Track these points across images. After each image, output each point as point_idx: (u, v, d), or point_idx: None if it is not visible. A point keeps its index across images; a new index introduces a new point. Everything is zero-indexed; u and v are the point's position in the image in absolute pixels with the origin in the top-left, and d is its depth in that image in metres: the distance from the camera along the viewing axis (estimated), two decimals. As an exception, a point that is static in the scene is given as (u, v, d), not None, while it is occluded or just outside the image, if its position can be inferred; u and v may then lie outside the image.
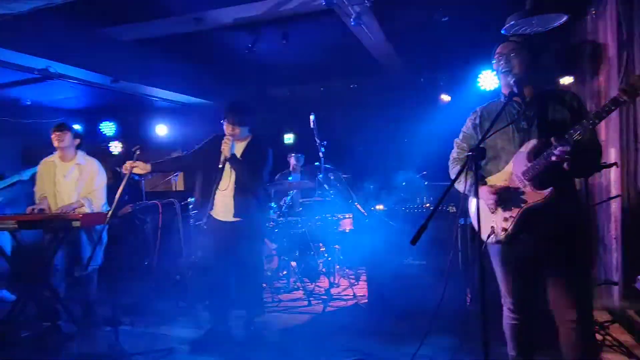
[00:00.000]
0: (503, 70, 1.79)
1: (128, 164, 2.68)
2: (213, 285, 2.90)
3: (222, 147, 2.72)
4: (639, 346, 2.56)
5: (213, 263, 2.85)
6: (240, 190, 2.77)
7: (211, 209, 2.78)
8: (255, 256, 2.95)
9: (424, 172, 4.10)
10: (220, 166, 2.74)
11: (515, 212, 1.74)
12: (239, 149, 2.85)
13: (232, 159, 2.73)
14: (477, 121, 1.95)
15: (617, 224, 3.03)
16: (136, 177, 2.95)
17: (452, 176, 2.00)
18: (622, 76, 2.90)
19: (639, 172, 2.86)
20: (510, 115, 1.80)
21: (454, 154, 2.07)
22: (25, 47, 3.68)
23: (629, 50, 2.84)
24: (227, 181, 2.77)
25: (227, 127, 2.78)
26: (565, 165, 1.60)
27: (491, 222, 1.82)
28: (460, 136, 2.04)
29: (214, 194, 2.77)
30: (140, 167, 2.70)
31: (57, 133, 3.25)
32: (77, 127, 5.90)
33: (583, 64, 3.69)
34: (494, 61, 1.83)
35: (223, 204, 2.78)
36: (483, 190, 1.81)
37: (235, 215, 2.76)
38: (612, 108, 1.54)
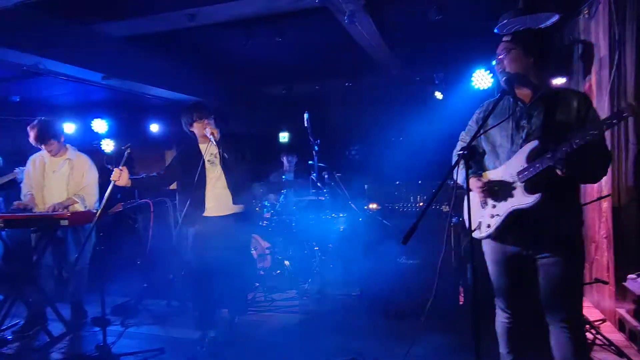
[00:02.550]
0: (498, 70, 1.78)
1: (115, 172, 2.65)
2: (204, 288, 2.91)
3: (210, 133, 2.73)
4: (630, 345, 2.58)
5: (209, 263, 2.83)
6: (236, 180, 2.84)
7: (203, 210, 2.80)
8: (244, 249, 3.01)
9: (419, 182, 4.05)
10: (203, 148, 2.81)
11: (501, 210, 1.74)
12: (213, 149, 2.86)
13: (219, 144, 2.76)
14: (481, 115, 1.93)
15: (608, 223, 3.05)
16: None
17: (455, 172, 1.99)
18: (614, 76, 2.91)
19: (629, 171, 2.88)
20: (510, 110, 1.77)
21: (457, 147, 2.06)
22: (13, 43, 3.61)
23: (620, 50, 2.86)
24: (219, 180, 2.82)
25: (200, 123, 2.81)
26: (558, 171, 1.58)
27: (480, 216, 1.82)
28: (466, 129, 2.04)
29: (204, 194, 2.81)
30: (123, 179, 2.67)
31: (44, 146, 3.18)
32: (66, 126, 5.85)
33: (574, 64, 3.70)
34: (493, 62, 1.83)
35: (219, 199, 2.82)
36: (476, 182, 1.79)
37: (234, 203, 2.83)
38: (616, 122, 1.51)
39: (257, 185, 5.29)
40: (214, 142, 2.73)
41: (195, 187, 2.77)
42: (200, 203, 2.79)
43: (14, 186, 3.59)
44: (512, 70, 1.74)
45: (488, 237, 1.80)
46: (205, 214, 2.81)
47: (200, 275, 2.87)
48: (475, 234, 1.82)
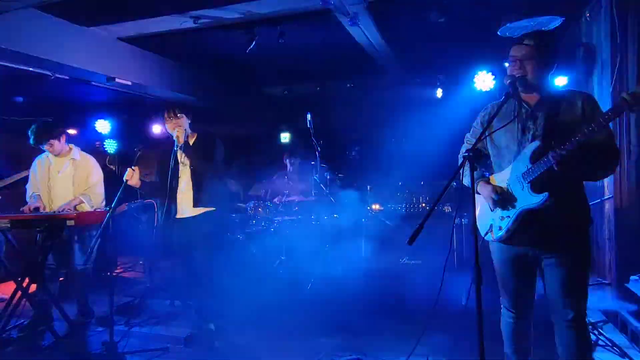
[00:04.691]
0: (517, 74, 1.73)
1: (129, 172, 2.67)
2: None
3: (175, 136, 2.76)
4: (632, 346, 2.59)
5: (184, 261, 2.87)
6: (200, 183, 2.80)
7: (175, 212, 2.82)
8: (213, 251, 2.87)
9: (422, 183, 4.08)
10: (175, 150, 2.79)
11: (512, 212, 1.76)
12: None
13: (186, 145, 2.77)
14: (486, 118, 1.94)
15: (611, 224, 3.06)
16: None
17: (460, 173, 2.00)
18: (615, 79, 2.93)
19: (631, 173, 2.90)
20: (516, 112, 1.79)
21: (463, 149, 2.07)
22: (19, 44, 3.64)
23: (622, 53, 2.88)
24: (185, 179, 2.82)
25: (169, 122, 2.83)
26: (556, 168, 1.60)
27: (490, 219, 1.84)
28: (470, 131, 2.05)
29: (176, 196, 2.82)
30: (134, 179, 2.71)
31: (45, 147, 3.17)
32: (69, 127, 5.86)
33: (577, 66, 3.72)
34: (507, 63, 1.79)
35: (184, 200, 2.82)
36: (485, 188, 1.82)
37: (194, 206, 2.79)
38: (613, 116, 1.52)
39: (259, 186, 5.31)
40: (176, 146, 2.75)
41: (169, 188, 2.78)
42: (173, 204, 2.81)
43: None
44: (529, 75, 1.72)
45: (500, 239, 1.80)
46: (178, 215, 2.82)
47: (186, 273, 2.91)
48: (488, 237, 1.84)
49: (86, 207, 3.20)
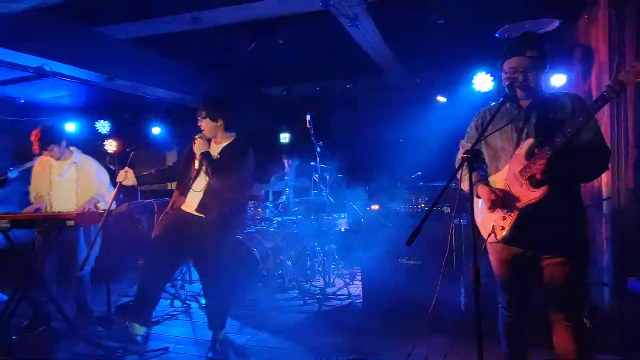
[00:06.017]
0: (519, 85, 1.77)
1: (121, 174, 2.64)
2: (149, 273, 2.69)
3: (193, 146, 2.64)
4: (630, 347, 2.60)
5: (158, 249, 2.66)
6: (212, 190, 2.64)
7: (182, 202, 2.72)
8: (212, 259, 2.65)
9: (419, 173, 4.14)
10: (197, 168, 2.66)
11: (513, 210, 1.77)
12: (216, 149, 2.74)
13: (204, 156, 2.61)
14: (479, 122, 1.99)
15: (608, 225, 3.08)
16: None
17: (459, 177, 2.02)
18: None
19: (629, 174, 2.91)
20: (511, 115, 1.83)
21: (459, 155, 2.09)
22: (20, 46, 3.65)
23: (620, 55, 2.89)
24: (203, 182, 2.68)
25: (200, 125, 2.71)
26: (538, 176, 1.63)
27: (492, 221, 1.85)
28: (465, 137, 2.08)
29: (188, 192, 2.71)
30: (129, 179, 2.65)
31: (45, 152, 3.16)
32: (69, 127, 5.88)
33: (574, 68, 3.74)
34: (505, 73, 1.80)
35: (192, 198, 2.70)
36: (484, 191, 1.84)
37: (197, 210, 2.65)
38: (600, 104, 1.57)
39: (258, 186, 5.33)
40: (195, 152, 2.59)
41: (184, 184, 2.71)
42: (182, 198, 2.71)
43: (4, 186, 3.59)
44: (531, 84, 1.77)
45: (503, 240, 1.81)
46: (183, 207, 2.72)
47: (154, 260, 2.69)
48: (491, 238, 1.85)
49: (101, 206, 3.23)
